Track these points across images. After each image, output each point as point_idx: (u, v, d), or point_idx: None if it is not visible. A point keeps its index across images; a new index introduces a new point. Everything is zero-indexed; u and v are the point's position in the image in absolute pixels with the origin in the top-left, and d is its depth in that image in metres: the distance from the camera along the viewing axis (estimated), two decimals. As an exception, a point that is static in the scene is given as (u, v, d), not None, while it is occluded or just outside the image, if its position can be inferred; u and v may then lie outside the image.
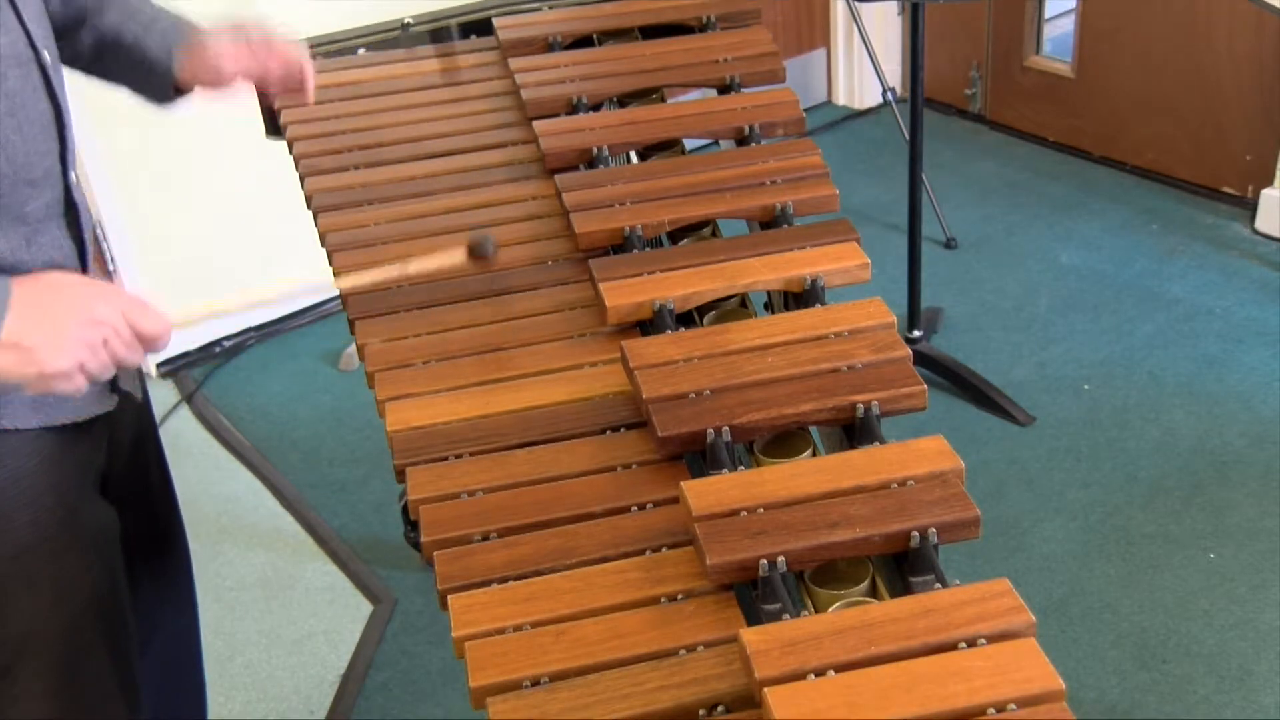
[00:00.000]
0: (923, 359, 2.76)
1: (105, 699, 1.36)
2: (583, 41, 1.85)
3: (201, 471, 2.76)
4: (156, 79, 1.43)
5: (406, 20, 1.93)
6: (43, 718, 1.30)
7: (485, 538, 1.10)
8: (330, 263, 1.48)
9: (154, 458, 1.56)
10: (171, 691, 1.69)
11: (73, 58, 1.41)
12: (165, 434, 1.63)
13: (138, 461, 1.49)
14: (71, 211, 1.27)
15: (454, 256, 1.34)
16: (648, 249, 1.42)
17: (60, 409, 1.26)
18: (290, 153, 1.69)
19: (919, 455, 1.09)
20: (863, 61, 3.98)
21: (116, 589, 1.37)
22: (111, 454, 1.39)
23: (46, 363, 1.08)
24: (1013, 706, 0.87)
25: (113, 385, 1.34)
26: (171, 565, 1.63)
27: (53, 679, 1.30)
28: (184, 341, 3.12)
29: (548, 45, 1.82)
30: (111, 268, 1.42)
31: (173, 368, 3.10)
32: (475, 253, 1.33)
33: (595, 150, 1.57)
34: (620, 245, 1.43)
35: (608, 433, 1.20)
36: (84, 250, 1.29)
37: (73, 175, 1.26)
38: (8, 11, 1.16)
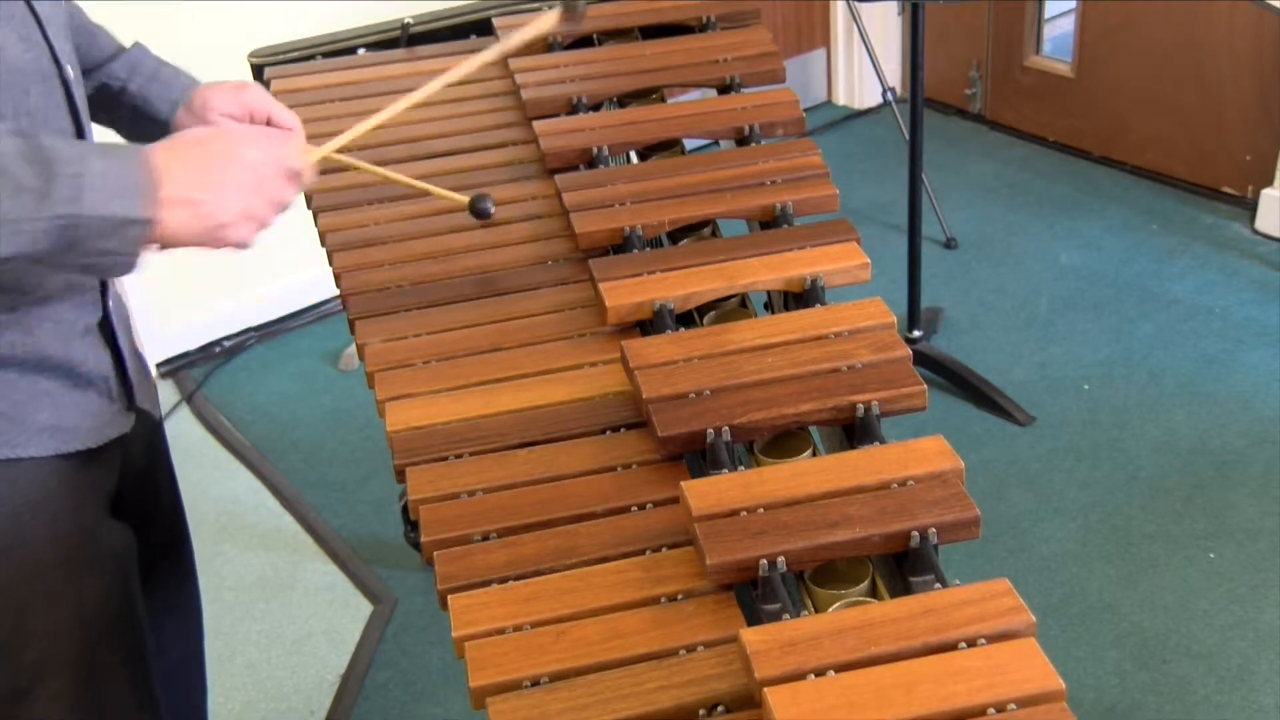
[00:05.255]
0: (923, 359, 2.76)
1: (125, 718, 1.36)
2: (583, 41, 1.85)
3: (201, 471, 2.76)
4: (153, 130, 1.42)
5: (406, 20, 1.93)
6: None
7: (485, 538, 1.10)
8: (330, 263, 1.48)
9: (165, 478, 1.55)
10: (175, 696, 1.69)
11: None
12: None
13: (149, 482, 1.48)
14: None
15: (455, 202, 1.42)
16: (648, 249, 1.42)
17: (77, 435, 1.24)
18: (290, 153, 1.69)
19: (919, 455, 1.09)
20: (863, 61, 3.98)
21: (134, 609, 1.36)
22: (123, 473, 1.38)
23: (216, 214, 1.08)
24: (1013, 706, 0.87)
25: (129, 404, 1.33)
26: (178, 578, 1.63)
27: (71, 700, 1.28)
28: (184, 341, 3.12)
29: (548, 45, 1.83)
30: None
31: (173, 368, 3.10)
32: (475, 210, 1.39)
33: (595, 150, 1.57)
34: (620, 245, 1.43)
35: (608, 433, 1.20)
36: None
37: None
38: (33, 28, 1.15)
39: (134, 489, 1.41)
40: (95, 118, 1.43)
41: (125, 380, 1.30)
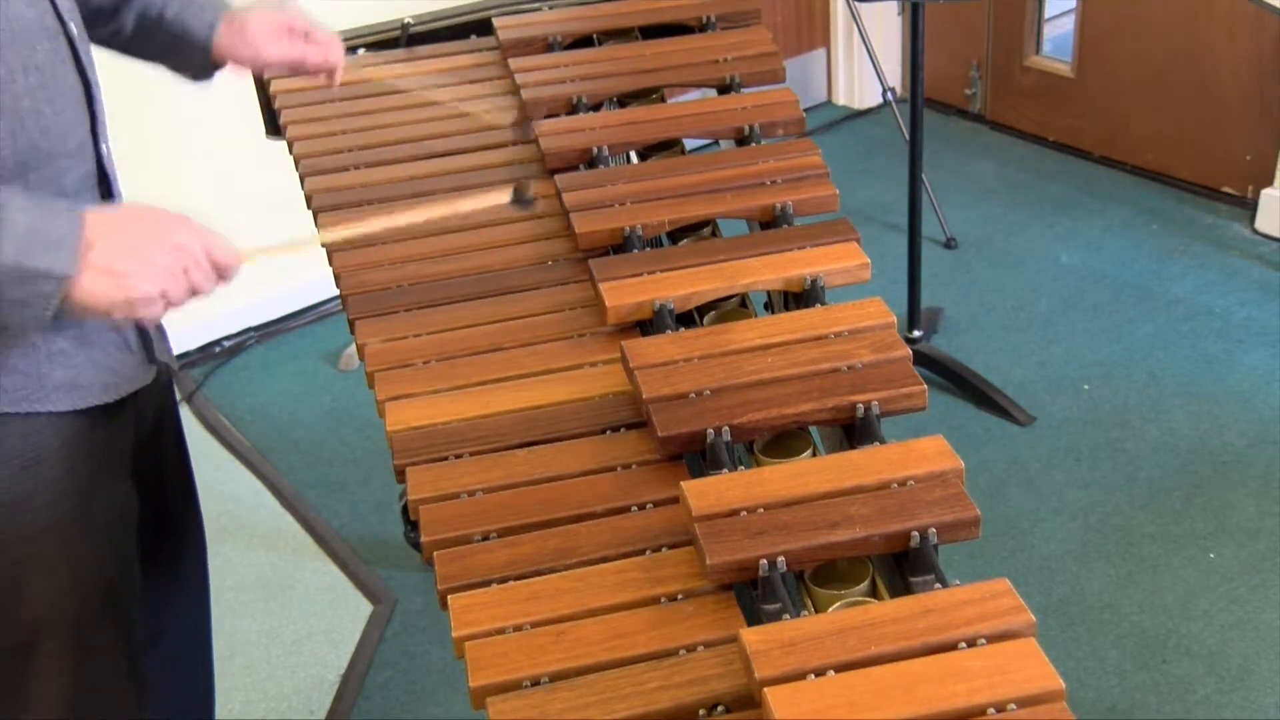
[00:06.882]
0: (923, 359, 2.76)
1: (118, 681, 1.38)
2: (583, 41, 1.85)
3: (201, 471, 2.72)
4: (195, 56, 1.47)
5: (406, 20, 1.93)
6: (57, 697, 1.31)
7: (485, 538, 1.10)
8: (330, 262, 1.48)
9: (172, 439, 1.56)
10: (181, 685, 1.70)
11: (112, 36, 1.45)
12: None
13: (156, 441, 1.50)
14: (105, 182, 1.29)
15: (498, 198, 1.38)
16: (648, 249, 1.42)
17: (92, 391, 1.26)
18: (290, 153, 1.69)
19: (919, 455, 1.09)
20: (863, 61, 3.98)
21: (129, 574, 1.39)
22: (135, 434, 1.39)
23: (135, 287, 1.10)
24: (1013, 706, 0.87)
25: (149, 356, 1.34)
26: (185, 553, 1.64)
27: (68, 659, 1.31)
28: (184, 341, 3.12)
29: (548, 45, 1.83)
30: None
31: (173, 368, 3.10)
32: (517, 199, 1.37)
33: (595, 150, 1.58)
34: (620, 245, 1.43)
35: (608, 433, 1.20)
36: None
37: (104, 147, 1.28)
38: None
39: (143, 452, 1.43)
40: (137, 52, 1.47)
41: (144, 331, 1.33)
